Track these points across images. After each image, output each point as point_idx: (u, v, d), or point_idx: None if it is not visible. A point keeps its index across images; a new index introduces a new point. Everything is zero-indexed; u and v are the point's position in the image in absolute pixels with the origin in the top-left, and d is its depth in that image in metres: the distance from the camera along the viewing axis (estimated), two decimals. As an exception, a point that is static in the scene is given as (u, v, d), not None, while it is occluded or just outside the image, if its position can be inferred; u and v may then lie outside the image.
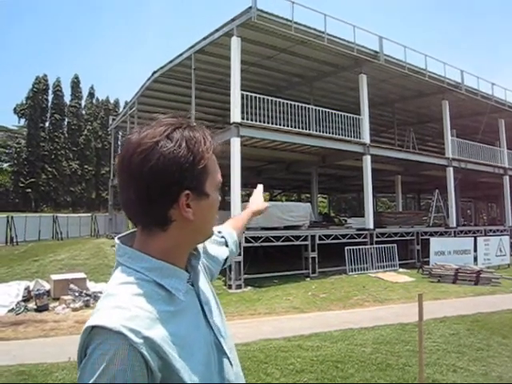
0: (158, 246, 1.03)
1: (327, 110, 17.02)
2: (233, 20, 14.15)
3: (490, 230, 23.73)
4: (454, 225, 21.51)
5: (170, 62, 18.09)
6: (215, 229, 1.49)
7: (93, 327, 0.89)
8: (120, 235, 1.12)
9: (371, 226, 17.62)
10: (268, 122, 14.98)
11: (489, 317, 9.54)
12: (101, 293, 11.48)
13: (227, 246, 1.55)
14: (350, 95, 20.65)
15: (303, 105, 16.40)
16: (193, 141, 1.02)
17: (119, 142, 37.35)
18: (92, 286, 12.10)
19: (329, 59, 17.33)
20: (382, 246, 17.17)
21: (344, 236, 16.66)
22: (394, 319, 9.18)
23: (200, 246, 1.23)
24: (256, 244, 14.09)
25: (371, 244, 17.04)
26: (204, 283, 1.18)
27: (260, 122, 14.75)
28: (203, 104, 21.19)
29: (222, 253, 1.49)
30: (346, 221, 22.26)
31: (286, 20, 14.21)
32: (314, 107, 17.08)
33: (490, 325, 8.71)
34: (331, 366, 5.87)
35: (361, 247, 16.43)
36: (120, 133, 33.19)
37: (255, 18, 13.37)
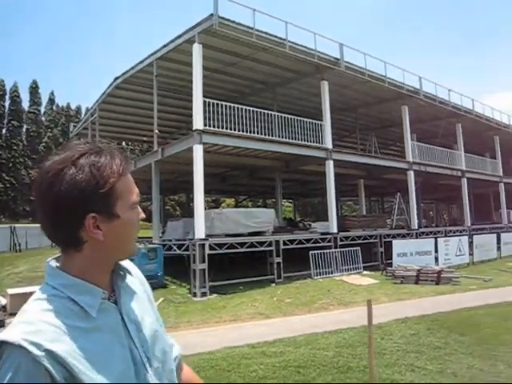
0: (75, 265, 1.10)
1: (290, 116, 17.18)
2: (194, 27, 14.16)
3: (451, 231, 24.40)
4: (416, 227, 22.04)
5: (132, 68, 17.94)
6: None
7: (0, 343, 0.94)
8: (55, 255, 1.16)
9: (335, 230, 17.85)
10: (231, 129, 14.99)
11: (448, 315, 9.82)
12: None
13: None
14: (313, 101, 20.88)
15: (266, 111, 16.53)
16: (97, 166, 1.08)
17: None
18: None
19: (291, 66, 17.52)
20: (346, 249, 17.39)
21: (308, 240, 16.80)
22: (358, 322, 9.27)
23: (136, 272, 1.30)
24: (220, 251, 14.09)
25: (335, 248, 17.24)
26: (138, 302, 1.21)
27: (223, 128, 14.77)
28: (166, 110, 21.06)
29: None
30: (310, 225, 22.45)
31: (248, 27, 14.31)
32: (277, 113, 17.23)
33: (449, 323, 8.96)
34: (293, 371, 5.92)
35: (325, 251, 16.60)
36: (82, 140, 32.61)
37: (217, 25, 13.41)
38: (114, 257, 1.17)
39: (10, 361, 0.92)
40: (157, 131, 16.75)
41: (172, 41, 15.26)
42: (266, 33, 14.82)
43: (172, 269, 14.81)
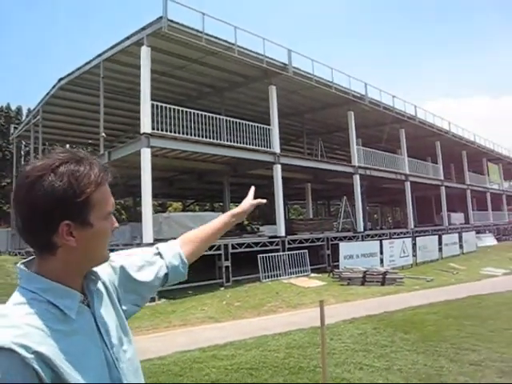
0: (50, 268, 1.13)
1: (238, 120, 17.21)
2: (143, 29, 13.98)
3: (395, 233, 25.15)
4: (362, 229, 22.59)
5: (78, 69, 17.42)
6: (157, 245, 1.57)
7: None
8: (24, 260, 1.19)
9: (283, 233, 18.01)
10: (179, 132, 14.85)
11: (393, 315, 10.15)
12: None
13: (162, 258, 1.51)
14: (261, 105, 21.06)
15: (214, 115, 16.49)
16: (76, 175, 1.12)
17: (22, 152, 35.18)
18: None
19: (239, 70, 17.60)
20: (294, 252, 17.60)
21: (257, 244, 16.87)
22: (307, 323, 9.43)
23: (109, 273, 1.35)
24: (169, 255, 13.91)
25: (283, 251, 17.40)
26: (105, 306, 1.25)
27: (171, 132, 14.61)
28: (112, 113, 20.58)
29: (154, 272, 1.47)
30: (258, 229, 22.61)
31: (197, 31, 14.27)
32: (225, 117, 17.23)
33: (395, 322, 9.27)
34: (246, 373, 5.94)
35: (273, 254, 16.73)
36: (23, 142, 31.35)
37: (166, 28, 13.28)
38: (86, 263, 1.20)
39: (0, 363, 0.95)
40: (103, 134, 16.35)
41: (119, 42, 14.98)
42: (215, 37, 14.83)
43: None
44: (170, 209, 45.23)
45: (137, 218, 29.93)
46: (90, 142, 27.56)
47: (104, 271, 1.32)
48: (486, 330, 8.47)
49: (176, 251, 1.56)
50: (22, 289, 1.12)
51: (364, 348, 7.12)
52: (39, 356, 0.98)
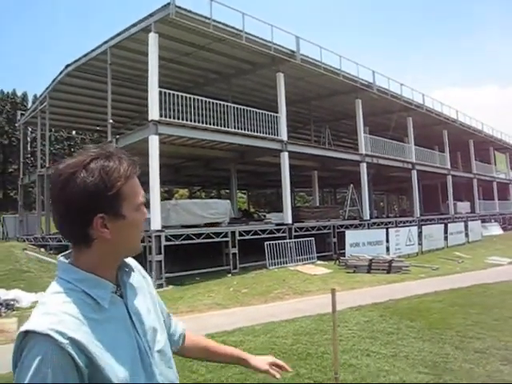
0: (86, 260, 1.21)
1: (245, 107, 17.19)
2: (150, 16, 13.95)
3: (401, 222, 25.19)
4: (368, 217, 22.63)
5: (85, 55, 17.45)
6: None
7: (25, 333, 1.06)
8: (64, 253, 1.28)
9: (290, 220, 18.08)
10: (186, 120, 14.88)
11: (399, 303, 10.21)
12: (14, 300, 10.94)
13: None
14: (268, 92, 21.02)
15: (221, 102, 16.49)
16: (106, 170, 1.18)
17: (29, 138, 35.23)
18: (3, 294, 11.22)
19: (247, 57, 17.56)
20: (301, 239, 17.68)
21: (263, 231, 16.97)
22: (313, 310, 9.53)
23: (136, 271, 1.41)
24: (177, 242, 14.03)
25: (290, 238, 17.49)
26: (140, 297, 1.33)
27: (178, 119, 14.63)
28: (120, 100, 20.64)
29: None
30: (265, 216, 22.65)
31: (205, 18, 14.21)
32: (233, 104, 17.23)
33: (400, 310, 9.33)
34: (254, 359, 6.02)
35: (280, 242, 16.81)
36: (30, 128, 31.44)
37: (173, 14, 13.25)
38: (120, 254, 1.28)
39: (38, 348, 1.03)
40: (111, 121, 16.41)
41: (127, 29, 14.97)
42: (223, 23, 14.76)
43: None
44: (176, 195, 45.40)
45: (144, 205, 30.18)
46: (97, 128, 27.65)
47: (137, 264, 1.45)
48: (490, 318, 8.53)
49: (182, 327, 1.66)
50: (60, 279, 1.19)
51: (371, 335, 7.19)
52: (74, 342, 1.04)
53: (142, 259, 13.79)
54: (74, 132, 44.07)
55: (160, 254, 13.45)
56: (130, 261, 1.39)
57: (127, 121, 24.77)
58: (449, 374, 5.33)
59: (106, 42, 16.05)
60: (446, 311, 9.24)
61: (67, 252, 1.27)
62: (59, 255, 1.27)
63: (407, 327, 7.74)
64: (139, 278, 1.40)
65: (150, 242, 13.47)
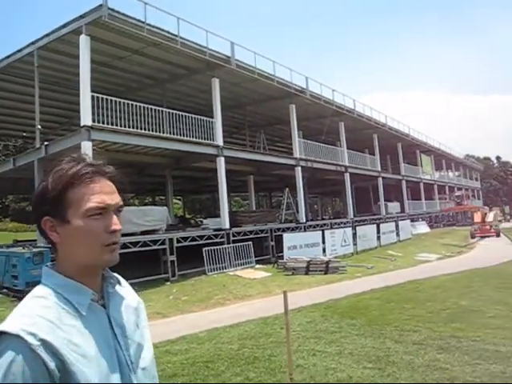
0: (63, 266, 1.21)
1: (180, 112, 16.97)
2: (82, 17, 13.43)
3: (336, 223, 25.85)
4: (304, 220, 23.04)
5: (8, 57, 16.45)
6: None
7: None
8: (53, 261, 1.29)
9: (227, 225, 18.04)
10: (120, 125, 14.45)
11: (339, 302, 10.50)
12: None
13: None
14: (203, 98, 20.91)
15: (156, 107, 16.18)
16: (58, 172, 1.20)
17: None
18: None
19: (182, 62, 17.35)
20: (239, 244, 17.71)
21: (201, 237, 16.81)
22: (255, 314, 9.60)
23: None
24: (114, 251, 13.57)
25: (228, 243, 17.46)
26: (125, 311, 1.31)
27: (112, 124, 14.19)
28: (48, 104, 19.61)
29: None
30: (202, 222, 22.52)
31: (139, 21, 13.94)
32: (167, 110, 16.95)
33: (341, 309, 9.61)
34: (202, 366, 5.96)
35: (218, 247, 16.75)
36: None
37: (106, 16, 12.87)
38: (79, 261, 1.20)
39: (10, 349, 1.02)
40: (39, 126, 15.65)
41: (55, 30, 14.28)
42: (157, 27, 14.54)
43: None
44: (108, 203, 44.03)
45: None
46: (23, 134, 26.32)
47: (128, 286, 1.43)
48: (424, 311, 9.00)
49: None
50: (42, 284, 1.19)
51: (315, 335, 7.33)
52: (46, 344, 1.03)
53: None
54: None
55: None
56: (122, 280, 1.39)
57: (56, 126, 23.69)
58: (392, 367, 5.54)
59: (33, 43, 15.22)
60: (384, 308, 9.60)
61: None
62: (48, 263, 1.26)
63: (348, 325, 7.96)
64: (130, 295, 1.38)
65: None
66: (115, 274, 1.34)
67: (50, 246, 1.23)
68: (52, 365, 1.03)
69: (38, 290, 1.18)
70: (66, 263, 1.20)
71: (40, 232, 1.23)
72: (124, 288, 1.38)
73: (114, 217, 1.22)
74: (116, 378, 1.16)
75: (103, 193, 1.20)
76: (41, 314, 1.09)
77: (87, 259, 1.20)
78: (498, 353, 5.92)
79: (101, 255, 1.20)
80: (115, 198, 1.24)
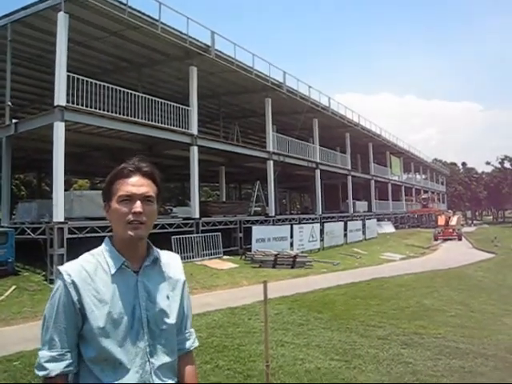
0: (113, 238, 1.64)
1: (156, 98, 16.77)
2: (62, -7, 13.08)
3: (304, 219, 26.10)
4: (273, 214, 23.16)
5: (-23, 28, 15.86)
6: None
7: (58, 269, 1.56)
8: None
9: (197, 215, 17.99)
10: (95, 108, 14.22)
11: (305, 296, 10.66)
12: None
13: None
14: (178, 85, 20.73)
15: (131, 91, 15.91)
16: (112, 170, 1.65)
17: None
18: None
19: (160, 48, 17.15)
20: (208, 234, 17.72)
21: (171, 225, 16.71)
22: (223, 304, 9.66)
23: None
24: (80, 235, 13.38)
25: (197, 233, 17.45)
26: (158, 282, 1.63)
27: (86, 106, 13.93)
28: (18, 80, 18.94)
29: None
30: (171, 210, 22.40)
31: (120, 3, 13.73)
32: (143, 95, 16.70)
33: (307, 303, 9.77)
34: (171, 353, 5.96)
35: (187, 236, 16.73)
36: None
37: (87, -5, 12.60)
38: (117, 235, 1.61)
39: (58, 279, 1.54)
40: (9, 103, 15.19)
41: (33, 4, 13.78)
42: (139, 11, 14.36)
43: (25, 254, 13.68)
44: (75, 186, 43.36)
45: (41, 194, 28.43)
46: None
47: (178, 264, 1.77)
48: (389, 308, 9.25)
49: (190, 345, 1.78)
50: (100, 247, 1.64)
51: (282, 327, 7.44)
52: (74, 284, 1.50)
53: (41, 253, 13.02)
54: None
55: (62, 247, 12.77)
56: (171, 255, 1.77)
57: (26, 104, 23.08)
58: (358, 359, 5.69)
59: (6, 16, 14.66)
60: (349, 303, 9.82)
61: None
62: None
63: (315, 319, 8.11)
64: (171, 273, 1.69)
65: (51, 234, 12.76)
66: (166, 255, 1.73)
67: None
68: (75, 299, 1.49)
69: (95, 249, 1.62)
70: (114, 236, 1.63)
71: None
72: (168, 266, 1.69)
73: (138, 202, 1.57)
74: (124, 323, 1.51)
75: (131, 185, 1.59)
76: (83, 264, 1.55)
77: (119, 233, 1.59)
78: (458, 349, 6.15)
79: (125, 230, 1.56)
80: (141, 189, 1.59)
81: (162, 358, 1.57)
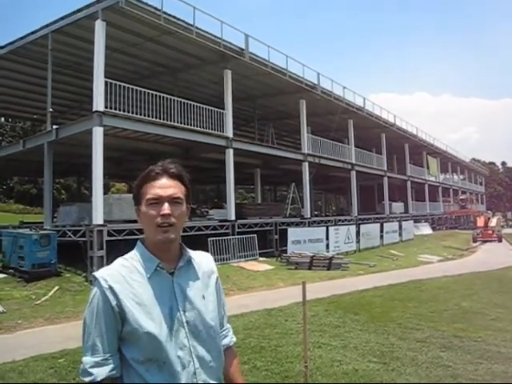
0: (146, 241, 1.67)
1: (192, 102, 16.98)
2: (98, 2, 13.43)
3: (340, 220, 25.90)
4: (309, 215, 23.08)
5: (22, 38, 16.38)
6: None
7: (93, 276, 1.60)
8: None
9: (233, 217, 18.13)
10: (132, 112, 14.51)
11: (342, 298, 10.59)
12: None
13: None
14: (213, 88, 20.93)
15: (168, 96, 16.16)
16: (141, 174, 1.67)
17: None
18: None
19: (196, 52, 17.36)
20: (243, 236, 17.80)
21: (207, 227, 16.90)
22: (259, 306, 9.70)
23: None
24: (119, 237, 13.66)
25: (233, 235, 17.56)
26: (193, 282, 1.66)
27: (123, 111, 14.25)
28: (58, 88, 19.52)
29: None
30: (207, 212, 22.58)
31: (155, 9, 13.97)
32: (178, 99, 16.94)
33: (344, 304, 9.70)
34: (209, 353, 6.03)
35: (223, 238, 16.86)
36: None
37: (123, 3, 12.90)
38: (149, 238, 1.65)
39: (95, 286, 1.57)
40: (51, 110, 15.70)
41: (71, 14, 14.26)
42: (173, 16, 14.57)
43: (66, 256, 14.09)
44: (112, 189, 44.27)
45: (81, 198, 29.13)
46: (34, 117, 26.38)
47: (211, 263, 1.82)
48: (427, 310, 9.09)
49: (230, 340, 1.87)
50: (133, 250, 1.67)
51: (319, 328, 7.43)
52: (112, 289, 1.53)
53: (82, 255, 13.38)
54: (2, 119, 41.84)
55: (102, 249, 13.09)
56: (204, 255, 1.83)
57: (65, 110, 23.77)
58: (396, 362, 5.63)
59: (47, 26, 15.15)
60: (387, 305, 9.70)
61: None
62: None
63: (352, 320, 8.06)
64: (205, 273, 1.72)
65: (91, 236, 13.10)
66: (198, 255, 1.78)
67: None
68: (113, 303, 1.52)
69: (128, 253, 1.66)
70: (146, 239, 1.66)
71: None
72: (200, 265, 1.73)
73: (166, 204, 1.59)
74: (165, 324, 1.54)
75: (159, 187, 1.61)
76: (118, 269, 1.59)
77: (150, 236, 1.63)
78: (500, 354, 6.01)
79: (155, 234, 1.60)
80: (168, 191, 1.61)
81: (206, 358, 1.59)
